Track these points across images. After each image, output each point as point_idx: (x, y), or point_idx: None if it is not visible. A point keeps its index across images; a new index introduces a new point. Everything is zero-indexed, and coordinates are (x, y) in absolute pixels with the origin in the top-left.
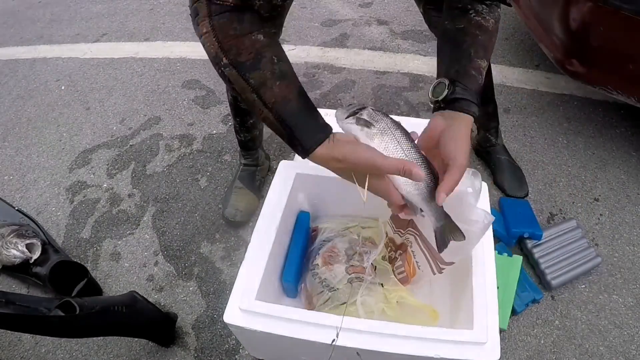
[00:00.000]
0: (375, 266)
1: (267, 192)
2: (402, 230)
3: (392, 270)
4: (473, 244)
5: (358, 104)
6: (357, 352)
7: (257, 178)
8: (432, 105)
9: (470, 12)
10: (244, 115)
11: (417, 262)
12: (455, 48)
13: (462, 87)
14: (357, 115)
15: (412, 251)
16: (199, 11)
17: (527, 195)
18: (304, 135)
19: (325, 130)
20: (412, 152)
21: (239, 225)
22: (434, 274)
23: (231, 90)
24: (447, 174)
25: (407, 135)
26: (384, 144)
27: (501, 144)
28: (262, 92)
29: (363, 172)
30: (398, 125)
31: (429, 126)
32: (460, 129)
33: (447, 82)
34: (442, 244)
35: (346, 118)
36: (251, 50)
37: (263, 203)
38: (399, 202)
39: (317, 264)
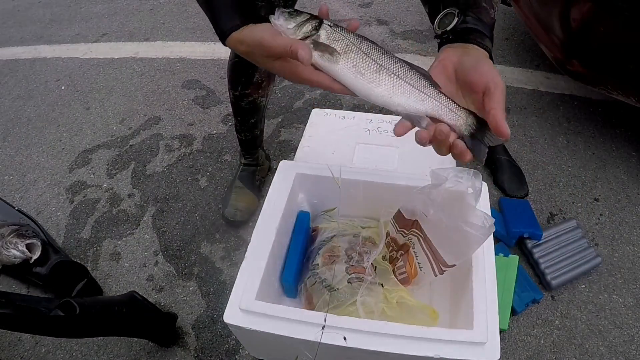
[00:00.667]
0: (375, 266)
1: (267, 192)
2: (405, 231)
3: (393, 270)
4: (474, 248)
5: (305, 16)
6: (344, 337)
7: (257, 178)
8: (437, 40)
9: None
10: (245, 115)
11: (419, 263)
12: None
13: (474, 17)
14: (314, 38)
15: (414, 252)
16: None
17: (527, 195)
18: (221, 20)
19: (241, 17)
20: (389, 60)
21: (239, 225)
22: (435, 275)
23: None
24: (490, 92)
25: (377, 45)
26: (351, 62)
27: (501, 144)
28: None
29: (255, 54)
30: (362, 37)
31: (439, 60)
32: (480, 57)
33: (456, 11)
34: (481, 153)
35: (300, 39)
36: None
37: (263, 203)
38: (329, 84)
39: (317, 264)
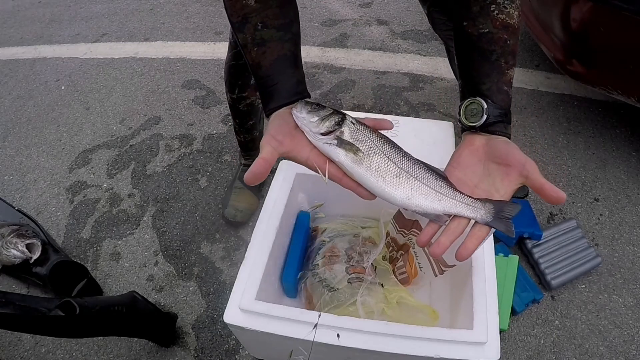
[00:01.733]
0: (375, 266)
1: (267, 192)
2: (405, 231)
3: (393, 270)
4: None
5: (328, 110)
6: (337, 334)
7: None
8: (460, 125)
9: (492, 7)
10: (243, 117)
11: (419, 263)
12: (483, 60)
13: (497, 109)
14: (337, 134)
15: (414, 252)
16: None
17: (527, 195)
18: (267, 100)
19: (281, 101)
20: (408, 163)
21: (239, 226)
22: (435, 275)
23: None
24: (531, 171)
25: (397, 146)
26: (374, 165)
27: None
28: (245, 52)
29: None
30: (384, 138)
31: (466, 143)
32: (507, 143)
33: (483, 105)
34: (508, 228)
35: (321, 135)
36: (239, 14)
37: (263, 203)
38: (355, 189)
39: (317, 264)
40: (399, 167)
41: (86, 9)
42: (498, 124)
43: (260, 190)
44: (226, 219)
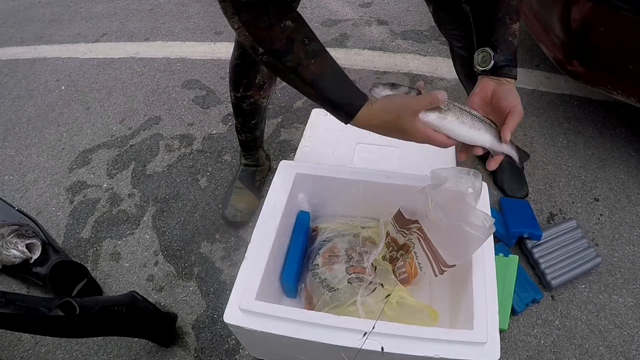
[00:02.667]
0: (375, 266)
1: (267, 192)
2: (405, 231)
3: (393, 270)
4: (474, 248)
5: (405, 86)
6: (382, 348)
7: (257, 178)
8: (475, 71)
9: None
10: (246, 116)
11: (419, 263)
12: (491, 18)
13: (503, 55)
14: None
15: (414, 252)
16: (226, 10)
17: (527, 195)
18: (345, 103)
19: (362, 96)
20: (473, 112)
21: (239, 226)
22: (435, 275)
23: (271, 73)
24: (510, 117)
25: (459, 104)
26: (454, 116)
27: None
28: (299, 72)
29: (401, 116)
30: (450, 100)
31: (480, 88)
32: (510, 88)
33: (491, 53)
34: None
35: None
36: (282, 38)
37: (263, 203)
38: (446, 141)
39: (317, 264)
40: (471, 115)
41: (86, 9)
42: (504, 68)
43: (260, 190)
44: (226, 219)
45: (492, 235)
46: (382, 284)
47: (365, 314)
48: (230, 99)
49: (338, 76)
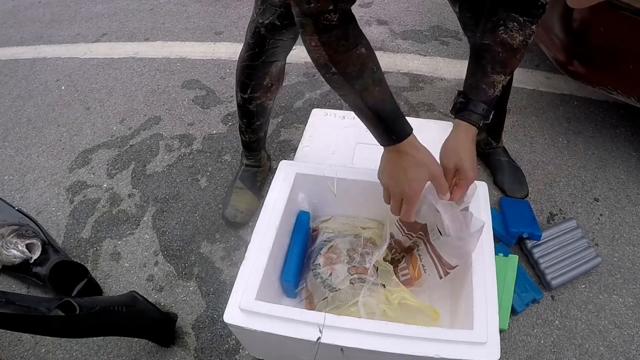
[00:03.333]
0: (377, 267)
1: (267, 192)
2: (412, 234)
3: (395, 271)
4: (473, 244)
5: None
6: (341, 349)
7: (258, 179)
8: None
9: (500, 28)
10: (252, 117)
11: (423, 265)
12: (475, 63)
13: (467, 98)
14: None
15: (418, 254)
16: (304, 26)
17: (527, 195)
18: (397, 129)
19: (410, 127)
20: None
21: (239, 226)
22: (440, 277)
23: (334, 90)
24: (457, 187)
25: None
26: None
27: (502, 146)
28: (364, 95)
29: (419, 172)
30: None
31: (450, 134)
32: (459, 136)
33: (461, 94)
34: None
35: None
36: (357, 63)
37: (263, 203)
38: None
39: (319, 264)
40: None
41: (86, 9)
42: (463, 111)
43: (260, 190)
44: (226, 219)
45: (492, 235)
46: (384, 285)
47: (366, 314)
48: (235, 99)
49: (394, 104)
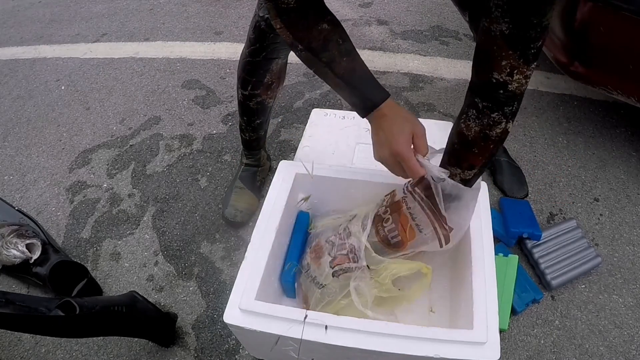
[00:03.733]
0: (365, 245)
1: (267, 192)
2: (408, 187)
3: (377, 230)
4: (471, 207)
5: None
6: (325, 326)
7: (258, 178)
8: None
9: (462, 115)
10: (252, 115)
11: (417, 225)
12: (446, 147)
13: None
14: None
15: (409, 213)
16: (269, 11)
17: (526, 195)
18: (372, 94)
19: (386, 92)
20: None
21: (239, 226)
22: (441, 245)
23: (309, 67)
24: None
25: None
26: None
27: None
28: (333, 67)
29: (402, 126)
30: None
31: None
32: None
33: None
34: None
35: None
36: (320, 38)
37: (263, 203)
38: (417, 170)
39: (307, 263)
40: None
41: (86, 9)
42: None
43: (260, 190)
44: (226, 219)
45: (491, 235)
46: (368, 266)
47: (360, 300)
48: (236, 97)
49: (365, 72)
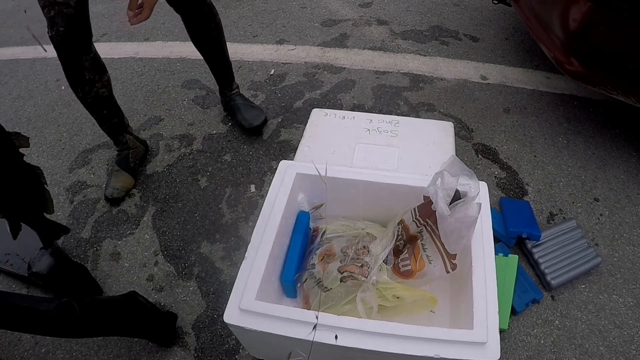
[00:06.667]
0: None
1: (267, 192)
2: (421, 220)
3: (395, 263)
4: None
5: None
6: (335, 336)
7: (131, 160)
8: None
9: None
10: (95, 109)
11: (428, 256)
12: None
13: None
14: None
15: (422, 244)
16: None
17: (265, 121)
18: None
19: None
20: None
21: (117, 202)
22: (447, 272)
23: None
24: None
25: None
26: None
27: (236, 91)
28: None
29: None
30: None
31: None
32: None
33: None
34: None
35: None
36: None
37: (263, 203)
38: None
39: (314, 264)
40: None
41: None
42: None
43: (135, 171)
44: (106, 197)
45: (492, 235)
46: (376, 281)
47: (365, 310)
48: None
49: None
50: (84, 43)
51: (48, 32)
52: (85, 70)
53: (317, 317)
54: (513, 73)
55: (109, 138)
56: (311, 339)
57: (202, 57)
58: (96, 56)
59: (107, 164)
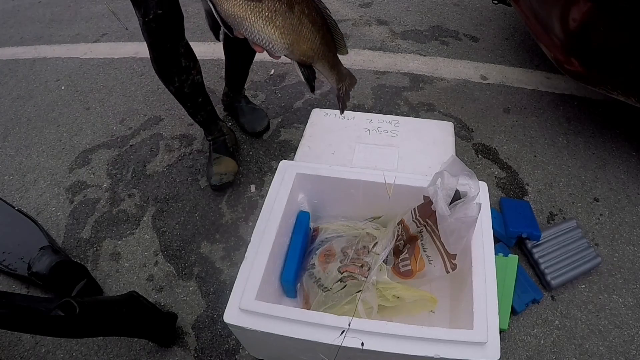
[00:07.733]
0: (375, 259)
1: (267, 192)
2: (421, 220)
3: (395, 262)
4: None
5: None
6: (362, 343)
7: (229, 145)
8: None
9: None
10: (191, 99)
11: (428, 256)
12: None
13: None
14: None
15: (422, 244)
16: None
17: (267, 127)
18: None
19: None
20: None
21: (227, 187)
22: (447, 272)
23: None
24: None
25: None
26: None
27: (243, 94)
28: None
29: None
30: None
31: None
32: None
33: None
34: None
35: None
36: None
37: (262, 203)
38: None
39: (314, 264)
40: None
41: (86, 9)
42: None
43: (234, 156)
44: (214, 185)
45: (492, 235)
46: (376, 281)
47: (365, 310)
48: (171, 93)
49: None
50: (180, 27)
51: (140, 19)
52: (182, 57)
53: (349, 324)
54: (513, 73)
55: (109, 138)
56: (339, 344)
57: (202, 57)
58: (187, 42)
59: (107, 164)
